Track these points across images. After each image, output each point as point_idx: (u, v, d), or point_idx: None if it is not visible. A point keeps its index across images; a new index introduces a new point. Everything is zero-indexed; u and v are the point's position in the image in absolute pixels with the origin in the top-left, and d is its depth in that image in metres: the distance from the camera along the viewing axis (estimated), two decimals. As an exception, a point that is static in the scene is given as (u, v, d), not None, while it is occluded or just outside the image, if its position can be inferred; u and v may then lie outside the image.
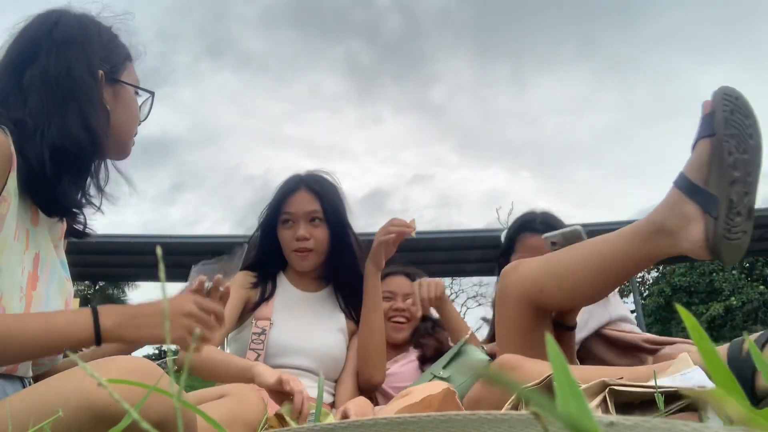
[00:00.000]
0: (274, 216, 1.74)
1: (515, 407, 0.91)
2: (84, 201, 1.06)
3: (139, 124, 1.15)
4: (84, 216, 1.11)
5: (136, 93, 1.13)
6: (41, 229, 1.01)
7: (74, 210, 1.04)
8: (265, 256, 1.78)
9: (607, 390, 0.87)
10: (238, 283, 1.73)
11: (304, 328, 1.67)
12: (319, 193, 1.72)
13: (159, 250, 0.31)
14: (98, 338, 0.89)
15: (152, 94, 1.15)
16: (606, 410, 0.84)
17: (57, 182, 0.98)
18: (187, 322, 0.96)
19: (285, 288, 1.77)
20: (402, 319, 1.92)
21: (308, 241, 1.69)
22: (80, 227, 1.12)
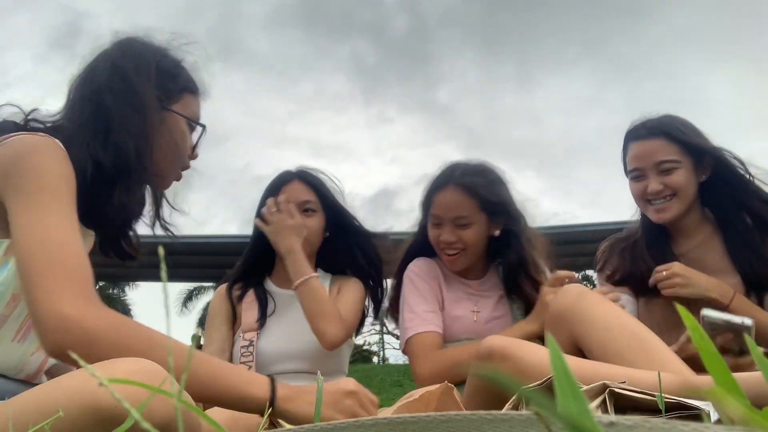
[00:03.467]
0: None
1: (515, 407, 0.91)
2: (125, 220, 1.08)
3: (191, 158, 1.16)
4: (133, 235, 1.14)
5: (191, 127, 1.13)
6: None
7: (107, 225, 1.07)
8: (256, 257, 1.76)
9: (607, 392, 0.87)
10: (221, 299, 1.74)
11: (294, 331, 1.63)
12: (313, 183, 1.71)
13: (161, 250, 0.32)
14: (272, 400, 0.89)
15: (203, 127, 1.15)
16: (605, 412, 0.84)
17: (96, 195, 0.99)
18: (349, 402, 0.96)
19: (270, 292, 1.75)
20: (453, 252, 1.67)
21: None
22: (127, 247, 1.14)
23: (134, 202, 1.04)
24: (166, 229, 1.17)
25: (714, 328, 1.26)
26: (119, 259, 1.14)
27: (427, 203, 1.71)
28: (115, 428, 0.65)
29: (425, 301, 1.66)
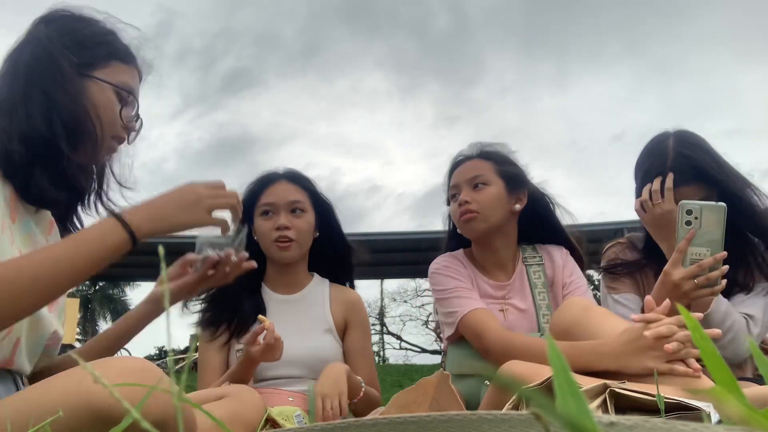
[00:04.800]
0: (250, 211, 1.67)
1: (516, 407, 0.91)
2: (65, 195, 1.05)
3: (126, 129, 1.11)
4: (79, 216, 1.11)
5: (120, 97, 1.09)
6: (19, 225, 1.01)
7: (51, 202, 1.04)
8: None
9: (608, 392, 0.87)
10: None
11: (289, 337, 1.57)
12: (301, 182, 1.69)
13: (161, 250, 0.31)
14: (133, 237, 0.92)
15: (129, 93, 1.10)
16: (606, 412, 0.84)
17: (30, 171, 0.98)
18: (205, 203, 1.01)
19: (265, 295, 1.70)
20: (468, 214, 1.60)
21: (289, 231, 1.61)
22: (75, 227, 1.11)
23: (77, 173, 1.01)
24: (107, 209, 1.11)
25: (690, 212, 1.30)
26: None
27: (447, 184, 1.71)
28: (109, 426, 0.65)
29: (462, 283, 1.61)
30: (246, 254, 1.14)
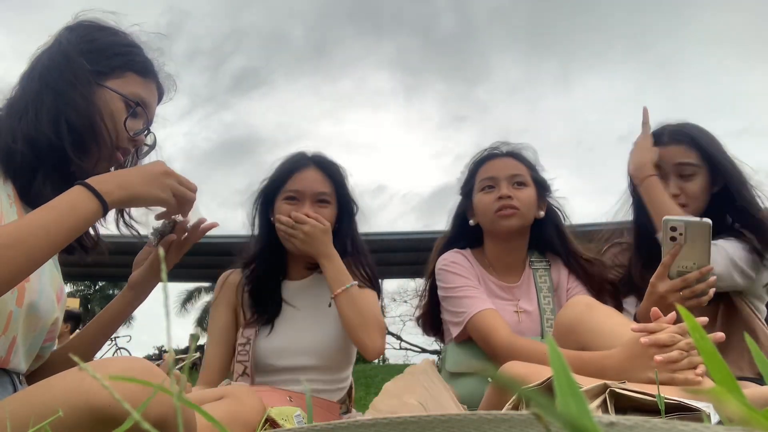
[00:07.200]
0: (274, 194, 1.64)
1: (516, 407, 0.91)
2: None
3: (133, 141, 1.11)
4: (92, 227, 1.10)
5: (129, 107, 1.09)
6: None
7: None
8: (266, 252, 1.66)
9: (608, 392, 0.87)
10: (231, 290, 1.68)
11: (297, 326, 1.59)
12: (330, 173, 1.63)
13: (161, 251, 0.32)
14: (104, 203, 0.94)
15: (136, 104, 1.10)
16: (606, 412, 0.84)
17: (32, 174, 0.99)
18: (167, 181, 1.04)
19: (284, 286, 1.69)
20: (509, 209, 1.60)
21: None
22: (87, 241, 1.10)
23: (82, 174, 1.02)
24: (129, 226, 1.14)
25: (674, 229, 1.29)
26: (84, 252, 1.12)
27: (473, 174, 1.69)
28: (109, 427, 0.65)
29: (470, 281, 1.60)
30: (205, 219, 1.22)
